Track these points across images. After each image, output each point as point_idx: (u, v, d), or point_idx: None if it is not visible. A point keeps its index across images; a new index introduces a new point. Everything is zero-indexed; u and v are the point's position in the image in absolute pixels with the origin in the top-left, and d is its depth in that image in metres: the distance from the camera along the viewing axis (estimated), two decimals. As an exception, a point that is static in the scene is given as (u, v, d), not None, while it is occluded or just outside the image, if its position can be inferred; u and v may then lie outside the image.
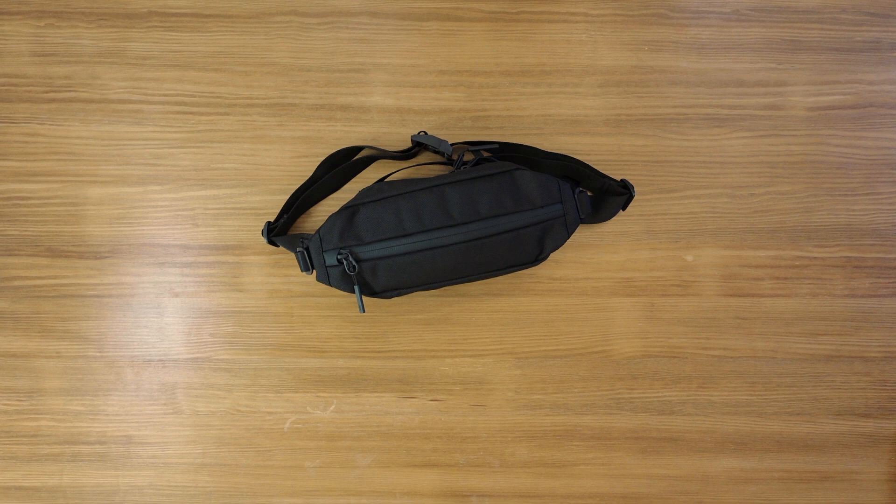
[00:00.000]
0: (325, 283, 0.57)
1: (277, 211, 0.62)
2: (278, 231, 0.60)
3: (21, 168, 0.62)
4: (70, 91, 0.62)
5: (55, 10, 0.62)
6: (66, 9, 0.62)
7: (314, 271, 0.57)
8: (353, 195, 0.61)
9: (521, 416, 0.64)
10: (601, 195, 0.62)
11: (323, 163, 0.61)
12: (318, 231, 0.56)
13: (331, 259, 0.55)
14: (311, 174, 0.62)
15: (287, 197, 0.62)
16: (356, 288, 0.55)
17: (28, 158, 0.62)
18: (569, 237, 0.58)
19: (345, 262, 0.55)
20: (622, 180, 0.61)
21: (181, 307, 0.63)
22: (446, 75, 0.63)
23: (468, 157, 0.63)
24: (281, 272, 0.63)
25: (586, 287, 0.64)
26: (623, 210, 0.62)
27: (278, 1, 0.63)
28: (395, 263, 0.55)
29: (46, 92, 0.62)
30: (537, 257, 0.58)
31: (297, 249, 0.56)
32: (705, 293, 0.64)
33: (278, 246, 0.61)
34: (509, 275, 0.63)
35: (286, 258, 0.63)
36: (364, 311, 0.56)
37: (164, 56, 0.62)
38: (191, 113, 0.63)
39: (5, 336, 0.63)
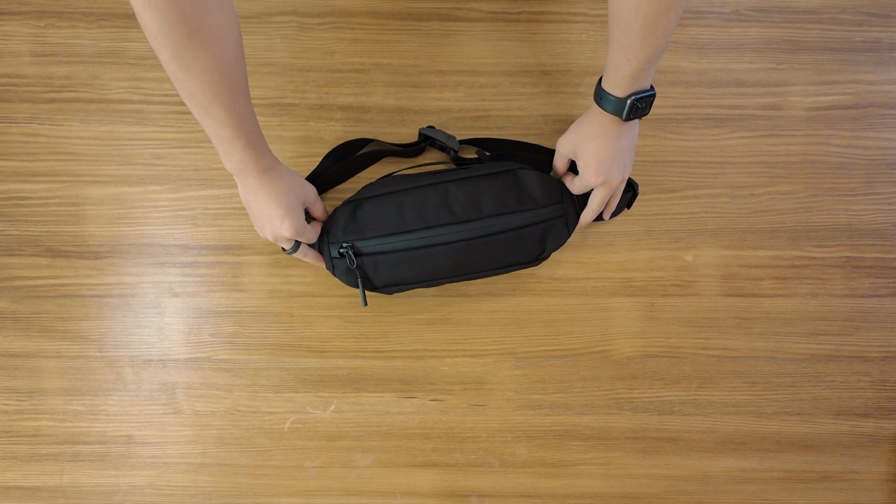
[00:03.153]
0: (332, 273, 0.57)
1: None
2: None
3: (21, 168, 0.62)
4: (70, 91, 0.62)
5: (55, 11, 0.62)
6: (66, 9, 0.62)
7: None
8: (358, 187, 0.61)
9: (521, 416, 0.64)
10: None
11: (328, 155, 0.61)
12: (324, 224, 0.56)
13: (334, 252, 0.56)
14: (311, 171, 0.62)
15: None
16: (360, 282, 0.55)
17: (28, 158, 0.62)
18: (570, 236, 0.58)
19: (346, 256, 0.55)
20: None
21: (181, 307, 0.63)
22: (446, 75, 0.63)
23: (471, 154, 0.63)
24: (281, 272, 0.63)
25: (586, 287, 0.64)
26: (628, 209, 0.62)
27: (278, 1, 0.63)
28: (396, 259, 0.55)
29: (47, 92, 0.62)
30: (538, 256, 0.58)
31: None
32: (705, 293, 0.64)
33: None
34: (509, 275, 0.63)
35: (286, 258, 0.63)
36: (366, 304, 0.56)
37: (164, 56, 0.62)
38: (191, 113, 0.62)
39: (5, 336, 0.63)
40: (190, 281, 0.63)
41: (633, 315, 0.64)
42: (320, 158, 0.62)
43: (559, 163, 0.58)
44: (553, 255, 0.63)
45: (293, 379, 0.63)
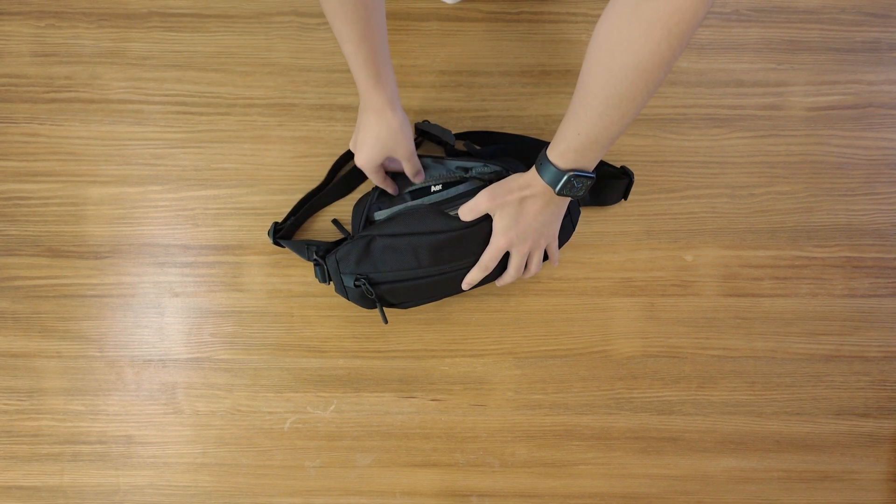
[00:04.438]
0: (344, 297, 0.58)
1: (277, 211, 0.62)
2: (284, 234, 0.60)
3: (22, 168, 0.62)
4: (71, 91, 0.62)
5: (56, 11, 0.62)
6: (66, 9, 0.62)
7: (331, 282, 0.58)
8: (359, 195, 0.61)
9: (521, 416, 0.64)
10: (600, 180, 0.61)
11: (332, 168, 0.61)
12: (335, 255, 0.56)
13: (349, 282, 0.55)
14: (313, 175, 0.62)
15: (288, 197, 0.62)
16: (378, 305, 0.56)
17: (29, 158, 0.62)
18: (574, 229, 0.58)
19: (363, 287, 0.55)
20: (622, 167, 0.61)
21: (181, 307, 0.63)
22: (446, 75, 0.63)
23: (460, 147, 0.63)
24: (281, 272, 0.63)
25: (586, 287, 0.64)
26: (625, 199, 0.62)
27: (278, 1, 0.63)
28: (411, 286, 0.55)
29: (47, 92, 0.62)
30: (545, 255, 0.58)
31: (314, 260, 0.57)
32: (705, 293, 0.64)
33: (283, 247, 0.61)
34: (509, 275, 0.63)
35: (286, 258, 0.63)
36: (387, 322, 0.57)
37: (164, 56, 0.62)
38: (191, 113, 0.63)
39: (5, 336, 0.63)
40: (190, 281, 0.63)
41: (633, 315, 0.64)
42: (320, 159, 0.62)
43: (472, 214, 0.53)
44: (553, 255, 0.63)
45: (293, 379, 0.63)
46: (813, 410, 0.65)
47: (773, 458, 0.65)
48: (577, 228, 0.63)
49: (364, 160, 0.53)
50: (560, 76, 0.63)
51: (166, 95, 0.63)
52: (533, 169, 0.49)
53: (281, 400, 0.63)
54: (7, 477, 0.64)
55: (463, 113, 0.63)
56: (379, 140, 0.52)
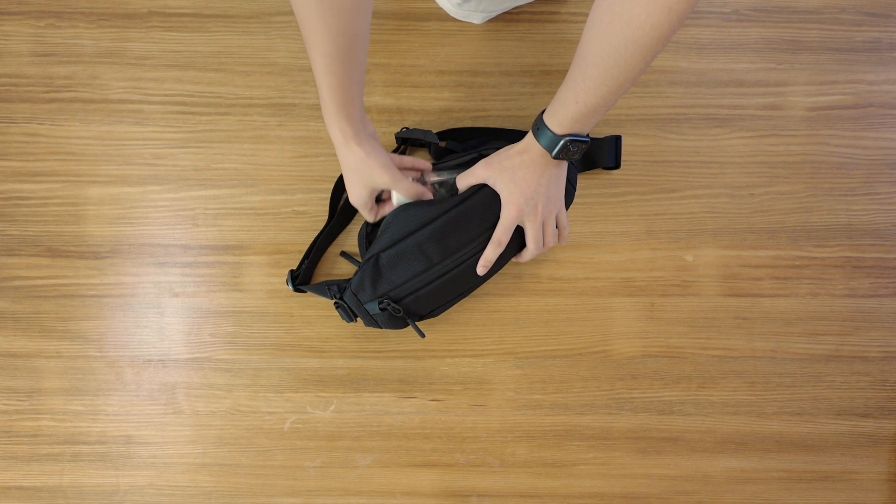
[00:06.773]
0: (376, 328, 0.58)
1: (277, 211, 0.63)
2: (301, 279, 0.60)
3: (21, 168, 0.62)
4: (70, 91, 0.62)
5: (55, 11, 0.62)
6: (66, 9, 0.62)
7: (358, 319, 0.58)
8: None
9: (521, 416, 0.64)
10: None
11: (331, 200, 0.61)
12: (350, 288, 0.56)
13: (374, 308, 0.55)
14: (313, 175, 0.62)
15: (288, 197, 0.62)
16: (411, 321, 0.56)
17: (28, 158, 0.62)
18: (575, 190, 0.59)
19: (389, 308, 0.54)
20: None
21: (181, 307, 0.63)
22: (446, 75, 0.63)
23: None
24: (281, 272, 0.63)
25: (586, 287, 0.64)
26: (616, 167, 0.61)
27: (278, 1, 0.63)
28: (433, 288, 0.55)
29: (47, 92, 0.62)
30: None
31: (336, 302, 0.57)
32: (705, 293, 0.64)
33: (305, 293, 0.61)
34: (509, 275, 0.63)
35: (286, 258, 0.63)
36: (424, 336, 0.57)
37: (164, 56, 0.62)
38: (191, 113, 0.63)
39: (5, 336, 0.63)
40: (190, 281, 0.63)
41: (633, 315, 0.64)
42: (320, 159, 0.62)
43: (468, 180, 0.55)
44: (553, 255, 0.63)
45: (293, 379, 0.63)
46: (813, 410, 0.65)
47: (773, 458, 0.65)
48: (578, 228, 0.63)
49: (353, 199, 0.54)
50: (560, 76, 0.63)
51: (166, 95, 0.63)
52: (529, 134, 0.50)
53: (281, 400, 0.63)
54: (7, 477, 0.64)
55: (463, 113, 0.63)
56: (355, 174, 0.53)
